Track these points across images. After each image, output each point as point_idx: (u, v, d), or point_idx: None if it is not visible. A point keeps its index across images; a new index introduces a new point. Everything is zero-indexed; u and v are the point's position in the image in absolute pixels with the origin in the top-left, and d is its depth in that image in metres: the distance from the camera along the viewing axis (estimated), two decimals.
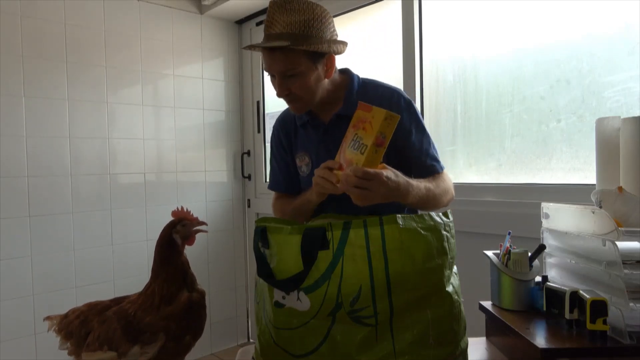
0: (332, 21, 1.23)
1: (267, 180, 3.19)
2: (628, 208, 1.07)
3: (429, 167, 1.28)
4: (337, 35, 1.25)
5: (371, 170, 1.00)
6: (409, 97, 1.32)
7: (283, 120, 1.43)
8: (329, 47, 1.19)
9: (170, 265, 1.19)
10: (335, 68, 1.28)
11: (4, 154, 2.29)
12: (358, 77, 1.33)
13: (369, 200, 1.01)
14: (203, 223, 1.25)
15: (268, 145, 3.22)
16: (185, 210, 1.26)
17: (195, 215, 1.26)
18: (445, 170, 1.32)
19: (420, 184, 1.14)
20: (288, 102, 1.26)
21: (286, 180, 1.42)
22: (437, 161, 1.31)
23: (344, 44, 1.25)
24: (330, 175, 1.05)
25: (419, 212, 1.24)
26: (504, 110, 1.97)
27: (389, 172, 1.03)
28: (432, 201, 1.20)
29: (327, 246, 0.88)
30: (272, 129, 1.47)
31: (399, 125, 1.16)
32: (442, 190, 1.25)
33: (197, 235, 1.26)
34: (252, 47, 1.24)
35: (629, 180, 1.13)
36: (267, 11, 1.19)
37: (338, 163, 1.07)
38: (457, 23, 2.12)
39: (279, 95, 1.24)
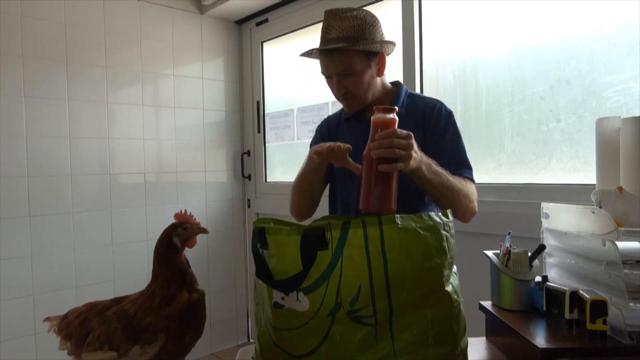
0: (381, 25, 1.35)
1: (266, 180, 3.21)
2: (628, 208, 1.07)
3: (459, 170, 1.29)
4: (385, 37, 1.37)
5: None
6: (450, 109, 1.40)
7: (329, 118, 1.58)
8: (381, 47, 1.32)
9: (169, 266, 1.19)
10: (385, 81, 1.41)
11: (4, 154, 2.29)
12: (407, 89, 1.47)
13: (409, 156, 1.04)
14: (204, 231, 1.24)
15: (268, 145, 3.23)
16: (188, 214, 1.25)
17: (197, 220, 1.25)
18: (473, 185, 1.33)
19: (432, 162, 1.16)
20: (344, 100, 1.38)
21: None
22: (469, 168, 1.34)
23: (393, 44, 1.36)
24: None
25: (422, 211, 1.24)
26: (504, 110, 1.97)
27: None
28: (448, 189, 1.20)
29: (326, 246, 0.88)
30: (315, 129, 1.59)
31: (435, 128, 1.33)
32: (464, 187, 1.25)
33: (198, 235, 1.26)
34: (311, 51, 1.33)
35: (629, 180, 1.13)
36: (324, 19, 1.32)
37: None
38: (457, 23, 2.12)
39: (337, 95, 1.35)
